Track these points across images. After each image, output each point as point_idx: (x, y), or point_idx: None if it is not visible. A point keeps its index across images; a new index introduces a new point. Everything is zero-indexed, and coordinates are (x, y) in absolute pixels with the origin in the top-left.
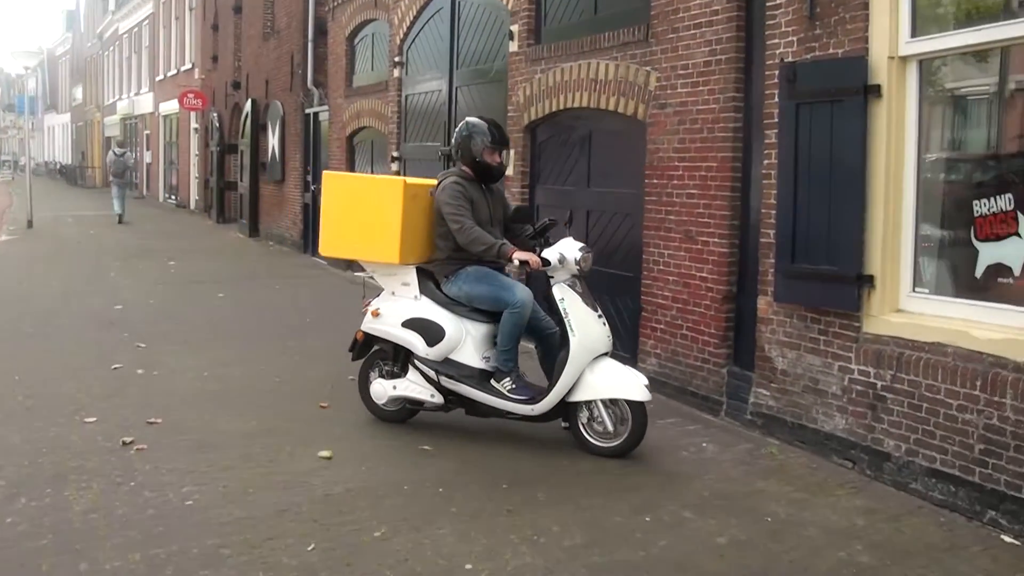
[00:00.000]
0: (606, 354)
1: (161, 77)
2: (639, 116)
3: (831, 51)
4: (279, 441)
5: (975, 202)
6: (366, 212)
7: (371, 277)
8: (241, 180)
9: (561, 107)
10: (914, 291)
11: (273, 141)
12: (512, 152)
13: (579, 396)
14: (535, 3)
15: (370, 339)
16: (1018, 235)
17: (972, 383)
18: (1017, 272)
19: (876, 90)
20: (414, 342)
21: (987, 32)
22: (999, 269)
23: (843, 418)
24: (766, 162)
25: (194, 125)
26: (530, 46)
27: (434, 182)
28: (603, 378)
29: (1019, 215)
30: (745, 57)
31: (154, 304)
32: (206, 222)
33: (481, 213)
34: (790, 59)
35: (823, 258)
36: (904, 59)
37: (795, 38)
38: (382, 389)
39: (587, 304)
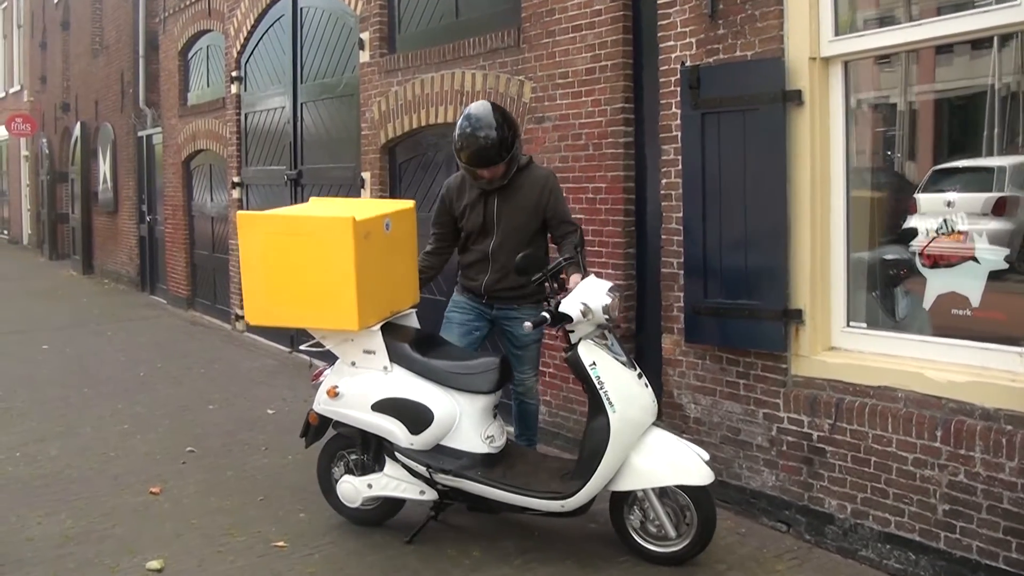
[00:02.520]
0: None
1: None
2: None
3: (738, 53)
4: (99, 550)
5: (919, 222)
6: (305, 264)
7: (317, 345)
8: (72, 212)
9: (422, 123)
10: (849, 326)
11: (104, 168)
12: (368, 175)
13: (623, 485)
14: (387, 7)
15: (326, 419)
16: (975, 260)
17: (931, 433)
18: (975, 303)
19: (797, 96)
20: (393, 430)
21: (923, 29)
22: (953, 299)
23: (772, 474)
24: (665, 181)
25: (24, 152)
26: (383, 55)
27: (395, 206)
28: (653, 460)
29: (974, 236)
30: (634, 63)
31: None
32: (38, 259)
33: (473, 219)
34: (689, 63)
35: (741, 291)
36: (827, 60)
37: (694, 39)
38: (353, 490)
39: (624, 364)
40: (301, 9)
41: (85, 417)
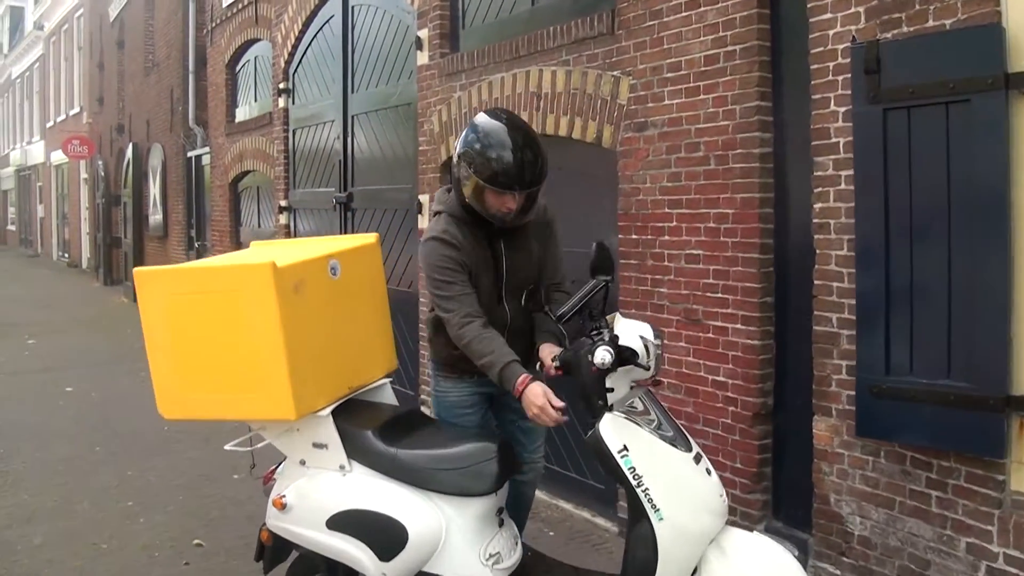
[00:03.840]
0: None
1: (51, 123)
2: (605, 143)
3: (931, 23)
4: None
5: None
6: (221, 331)
7: (253, 441)
8: (124, 236)
9: None
10: None
11: (154, 191)
12: (426, 199)
13: None
14: None
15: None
16: None
17: None
18: None
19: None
20: (356, 556)
21: None
22: None
23: None
24: (820, 206)
25: (83, 175)
26: (444, 55)
27: (347, 244)
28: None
29: None
30: (772, 46)
31: None
32: (93, 284)
33: (483, 278)
34: (859, 40)
35: (939, 366)
36: None
37: (862, 8)
38: None
39: (672, 442)
40: (352, 8)
41: (87, 487)
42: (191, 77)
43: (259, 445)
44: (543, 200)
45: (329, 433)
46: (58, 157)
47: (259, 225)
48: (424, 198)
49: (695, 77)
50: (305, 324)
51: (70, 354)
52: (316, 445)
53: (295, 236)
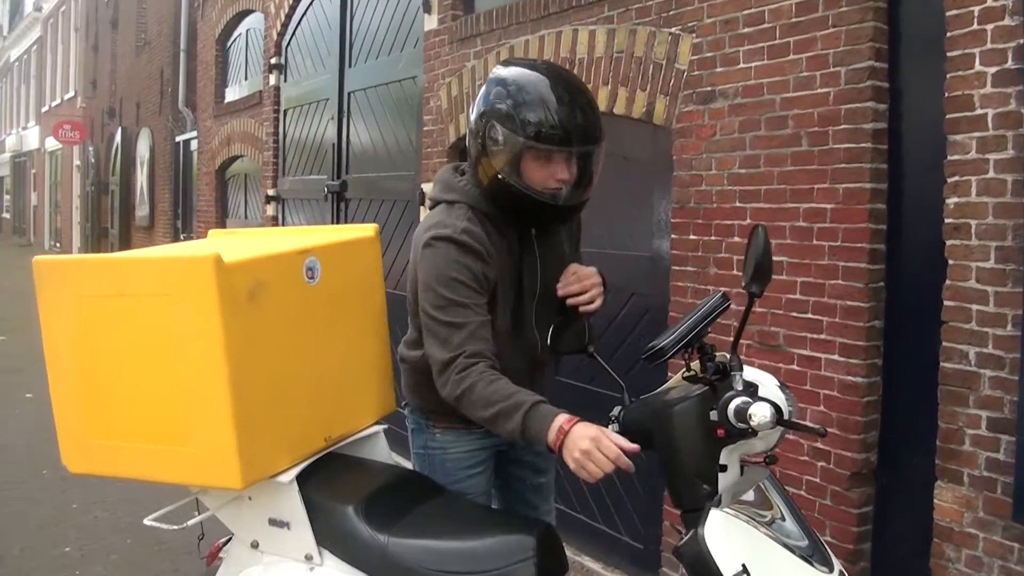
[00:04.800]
0: None
1: (46, 108)
2: (657, 119)
3: None
4: None
5: None
6: (145, 353)
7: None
8: (111, 226)
9: None
10: None
11: (142, 178)
12: (429, 188)
13: None
14: None
15: None
16: None
17: None
18: None
19: None
20: None
21: None
22: None
23: None
24: (954, 201)
25: (76, 161)
26: (457, 18)
27: (335, 236)
28: None
29: None
30: None
31: None
32: None
33: (508, 293)
34: None
35: None
36: None
37: None
38: None
39: (809, 559)
40: None
41: (23, 524)
42: (182, 56)
43: (201, 517)
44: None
45: (292, 507)
46: (52, 143)
47: (246, 216)
48: (428, 187)
49: (783, 31)
50: (262, 347)
51: (41, 354)
52: (274, 522)
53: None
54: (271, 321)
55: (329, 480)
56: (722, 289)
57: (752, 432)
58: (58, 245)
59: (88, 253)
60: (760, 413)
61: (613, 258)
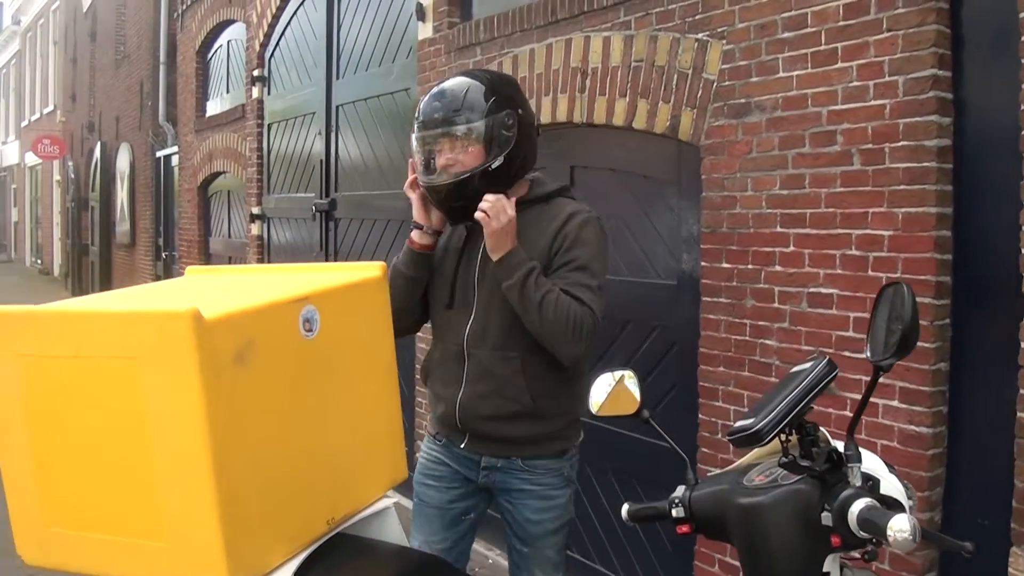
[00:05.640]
0: None
1: (26, 122)
2: (683, 134)
3: None
4: None
5: None
6: (106, 430)
7: None
8: (92, 243)
9: None
10: None
11: (122, 194)
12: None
13: None
14: None
15: None
16: None
17: None
18: None
19: None
20: None
21: None
22: None
23: None
24: None
25: (56, 177)
26: (453, 26)
27: (337, 278)
28: None
29: None
30: None
31: None
32: (62, 293)
33: (442, 273)
34: None
35: None
36: None
37: None
38: None
39: None
40: None
41: None
42: (162, 68)
43: None
44: (580, 207)
45: None
46: (32, 158)
47: (230, 234)
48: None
49: (829, 36)
50: (251, 418)
51: None
52: None
53: (269, 250)
54: (262, 386)
55: (334, 570)
56: (825, 351)
57: (877, 543)
58: (39, 262)
59: (69, 271)
60: (900, 528)
61: (633, 286)
